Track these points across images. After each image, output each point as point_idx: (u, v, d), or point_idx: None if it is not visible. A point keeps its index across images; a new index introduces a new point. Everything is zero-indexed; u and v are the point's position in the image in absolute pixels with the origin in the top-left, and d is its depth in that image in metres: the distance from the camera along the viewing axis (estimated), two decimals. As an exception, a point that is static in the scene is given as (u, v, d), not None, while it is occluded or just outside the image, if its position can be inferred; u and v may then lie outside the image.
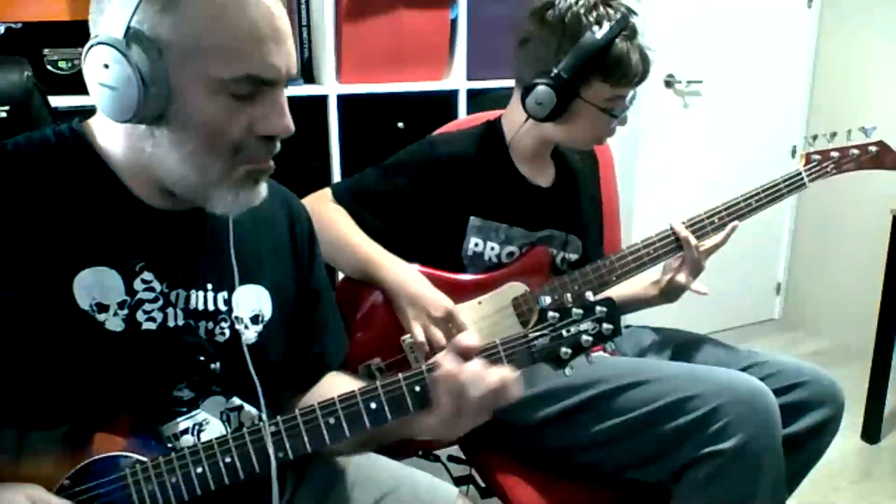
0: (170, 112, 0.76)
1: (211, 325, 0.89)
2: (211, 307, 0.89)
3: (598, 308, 0.91)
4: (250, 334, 0.91)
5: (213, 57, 0.75)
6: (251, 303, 0.92)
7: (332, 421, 0.84)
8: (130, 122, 0.77)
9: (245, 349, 0.89)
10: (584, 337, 0.90)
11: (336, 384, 0.99)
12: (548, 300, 0.91)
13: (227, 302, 0.90)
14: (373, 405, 0.85)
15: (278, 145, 0.83)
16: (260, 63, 0.77)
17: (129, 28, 0.73)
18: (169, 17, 0.74)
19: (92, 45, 0.76)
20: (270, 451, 0.83)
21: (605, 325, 0.91)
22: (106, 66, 0.74)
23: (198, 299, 0.88)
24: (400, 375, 0.86)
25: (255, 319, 0.92)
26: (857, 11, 2.89)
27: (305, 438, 0.83)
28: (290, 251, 0.99)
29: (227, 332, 0.90)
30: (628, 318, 1.57)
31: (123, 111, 0.76)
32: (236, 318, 0.90)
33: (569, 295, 0.93)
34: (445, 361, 0.85)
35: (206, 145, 0.78)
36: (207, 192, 0.82)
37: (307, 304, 1.01)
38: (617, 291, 1.43)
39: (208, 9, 0.74)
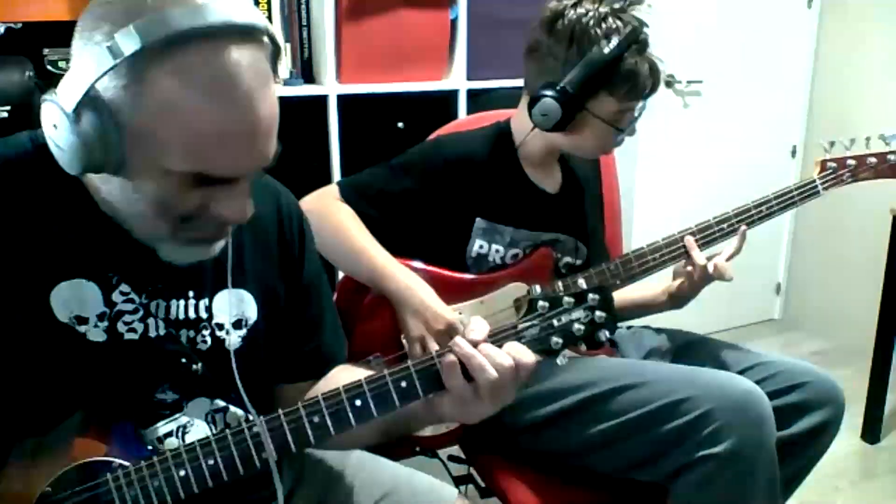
0: (121, 173, 0.73)
1: (192, 333, 0.88)
2: (192, 315, 0.88)
3: (590, 296, 0.87)
4: (233, 339, 0.90)
5: (166, 148, 0.70)
6: (233, 308, 0.91)
7: (316, 420, 0.82)
8: (81, 175, 0.74)
9: (232, 355, 0.87)
10: (576, 326, 0.87)
11: (342, 377, 0.96)
12: (538, 289, 0.89)
13: (208, 309, 0.89)
14: (357, 402, 0.83)
15: (245, 218, 0.79)
16: (218, 165, 0.72)
17: (87, 93, 0.68)
18: (130, 95, 0.68)
19: (44, 100, 0.71)
20: (270, 447, 0.82)
21: (598, 313, 0.87)
22: (55, 127, 0.71)
23: (178, 308, 0.87)
24: (385, 371, 0.85)
25: (237, 324, 0.91)
26: (857, 11, 2.89)
27: (290, 438, 0.82)
28: (277, 248, 0.97)
29: (209, 339, 0.89)
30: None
31: (70, 168, 0.72)
32: (217, 324, 0.89)
33: (560, 283, 0.90)
34: (457, 344, 0.83)
35: (154, 212, 0.75)
36: (156, 244, 0.80)
37: (299, 300, 0.99)
38: (626, 295, 1.43)
39: (171, 98, 0.68)
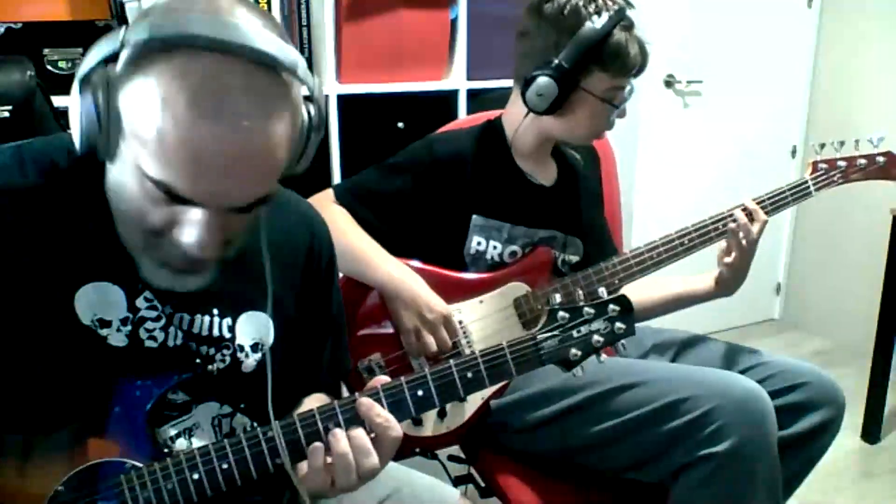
0: (113, 161, 0.73)
1: (213, 350, 0.87)
2: (215, 333, 0.87)
3: (610, 307, 0.87)
4: (250, 362, 0.90)
5: (143, 148, 0.68)
6: (253, 330, 0.90)
7: (330, 426, 0.83)
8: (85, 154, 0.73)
9: (269, 377, 0.85)
10: (595, 337, 0.87)
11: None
12: (558, 298, 0.88)
13: (231, 329, 0.89)
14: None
15: (214, 255, 0.76)
16: (183, 182, 0.68)
17: (93, 69, 0.69)
18: (128, 84, 0.68)
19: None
20: (282, 454, 0.82)
21: (618, 325, 0.87)
22: (71, 105, 0.72)
23: (202, 324, 0.86)
24: (402, 378, 0.85)
25: (255, 347, 0.91)
26: (857, 11, 2.89)
27: (304, 444, 0.82)
28: (301, 276, 0.96)
29: (228, 359, 0.88)
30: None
31: (78, 142, 0.72)
32: (238, 346, 0.89)
33: (581, 292, 0.89)
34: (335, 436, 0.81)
35: (131, 216, 0.74)
36: (137, 252, 0.78)
37: (314, 330, 0.99)
38: (668, 291, 1.42)
39: (159, 97, 0.66)
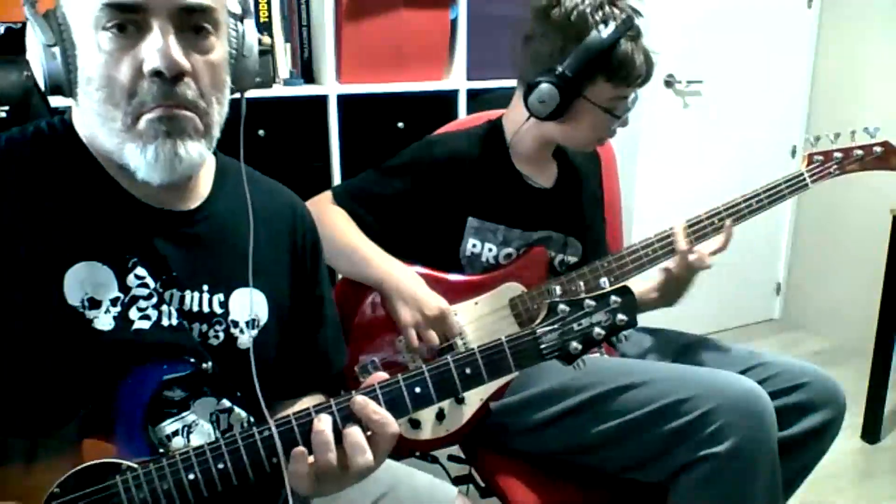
0: (78, 77, 0.77)
1: (205, 327, 0.87)
2: (206, 309, 0.88)
3: (612, 298, 0.86)
4: (245, 339, 0.90)
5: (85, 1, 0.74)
6: (247, 307, 0.91)
7: None
8: (56, 92, 0.78)
9: (251, 354, 0.87)
10: (597, 330, 0.85)
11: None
12: (558, 290, 0.87)
13: (224, 304, 0.89)
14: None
15: (187, 92, 0.77)
16: None
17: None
18: None
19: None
20: (278, 448, 0.82)
21: (620, 316, 0.86)
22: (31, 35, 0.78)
23: (192, 300, 0.87)
24: (399, 375, 0.84)
25: (250, 324, 0.91)
26: (857, 11, 2.89)
27: (300, 442, 0.81)
28: (289, 258, 0.97)
29: (222, 335, 0.88)
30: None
31: (43, 82, 0.77)
32: (232, 321, 0.89)
33: (582, 283, 0.88)
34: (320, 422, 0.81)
35: (104, 96, 0.76)
36: (122, 151, 0.78)
37: (306, 316, 1.00)
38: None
39: None
